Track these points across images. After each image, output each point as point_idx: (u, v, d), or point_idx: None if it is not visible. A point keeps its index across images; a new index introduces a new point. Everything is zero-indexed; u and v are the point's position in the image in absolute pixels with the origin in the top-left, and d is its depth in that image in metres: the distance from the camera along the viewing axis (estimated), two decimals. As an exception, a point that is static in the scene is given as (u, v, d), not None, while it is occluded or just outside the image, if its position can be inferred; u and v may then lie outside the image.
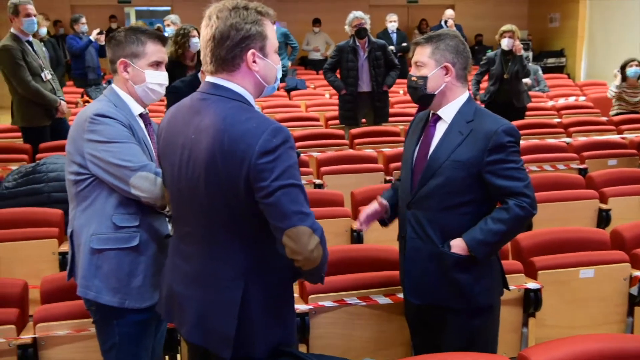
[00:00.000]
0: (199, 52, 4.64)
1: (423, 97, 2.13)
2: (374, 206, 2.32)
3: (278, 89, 8.63)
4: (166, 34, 5.30)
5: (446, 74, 2.11)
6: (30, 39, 4.72)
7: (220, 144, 1.52)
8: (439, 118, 2.16)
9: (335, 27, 10.57)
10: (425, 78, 2.11)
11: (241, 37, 1.58)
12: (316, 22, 10.68)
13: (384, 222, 2.37)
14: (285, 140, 1.53)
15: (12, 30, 4.60)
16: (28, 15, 4.56)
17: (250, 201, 1.54)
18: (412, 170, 2.17)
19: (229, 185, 1.53)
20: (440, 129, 2.14)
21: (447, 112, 2.14)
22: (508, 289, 2.25)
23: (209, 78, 1.65)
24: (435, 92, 2.11)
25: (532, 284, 2.63)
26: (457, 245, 2.06)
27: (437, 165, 2.08)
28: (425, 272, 2.12)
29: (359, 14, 5.64)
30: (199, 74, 3.67)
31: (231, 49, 1.58)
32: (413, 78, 2.15)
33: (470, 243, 2.04)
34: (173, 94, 3.29)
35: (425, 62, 2.12)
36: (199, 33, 4.64)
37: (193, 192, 1.60)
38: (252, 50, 1.60)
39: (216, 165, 1.53)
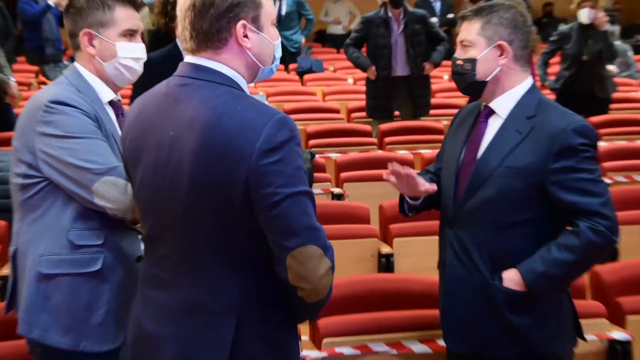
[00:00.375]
0: None
1: (471, 85, 2.15)
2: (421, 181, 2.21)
3: (288, 72, 8.74)
4: None
5: (501, 55, 2.11)
6: None
7: (210, 141, 1.53)
8: (491, 112, 2.17)
9: None
10: (473, 61, 2.12)
11: (228, 5, 1.58)
12: None
13: (408, 209, 2.32)
14: (292, 134, 1.54)
15: None
16: None
17: (246, 213, 1.54)
18: (456, 178, 2.17)
19: (220, 194, 1.53)
20: (494, 126, 2.15)
21: (503, 105, 2.14)
22: (584, 338, 2.22)
23: (189, 58, 1.65)
24: (487, 79, 2.12)
25: (618, 334, 2.60)
26: (511, 279, 2.06)
27: (488, 173, 2.08)
28: (470, 310, 2.12)
29: None
30: (179, 42, 3.68)
31: (216, 20, 1.59)
32: (458, 62, 2.16)
33: (528, 276, 2.03)
34: (145, 71, 3.27)
35: (474, 40, 2.13)
36: None
37: (173, 204, 1.60)
38: (242, 22, 1.60)
39: (205, 168, 1.53)
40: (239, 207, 1.53)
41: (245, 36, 1.61)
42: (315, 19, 9.00)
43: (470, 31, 2.14)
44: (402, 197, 2.33)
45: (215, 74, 1.61)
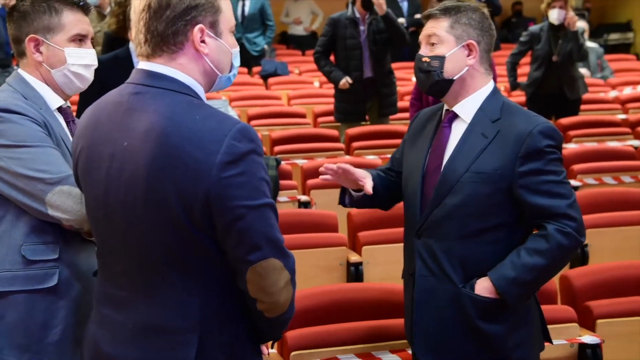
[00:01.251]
0: None
1: (437, 84, 2.15)
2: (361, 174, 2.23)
3: (252, 75, 8.71)
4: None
5: (469, 54, 2.14)
6: None
7: (166, 152, 1.52)
8: (455, 116, 2.18)
9: None
10: (442, 58, 2.13)
11: (185, 7, 1.58)
12: None
13: (349, 201, 2.33)
14: (255, 144, 1.54)
15: None
16: None
17: (207, 227, 1.54)
18: (421, 186, 2.18)
19: (179, 206, 1.52)
20: (458, 131, 2.16)
21: (466, 108, 2.16)
22: (550, 341, 2.26)
23: (143, 64, 1.64)
24: (454, 78, 2.14)
25: (589, 338, 2.64)
26: (483, 286, 2.08)
27: (455, 179, 2.10)
28: (441, 321, 2.14)
29: None
30: (131, 45, 3.66)
31: (172, 22, 1.58)
32: (424, 59, 2.16)
33: (499, 283, 2.05)
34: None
35: (443, 37, 2.14)
36: None
37: (127, 219, 1.59)
38: (199, 26, 1.60)
39: (161, 181, 1.52)
40: (198, 221, 1.53)
41: (203, 41, 1.61)
42: (275, 26, 8.92)
43: (438, 29, 2.15)
44: (343, 188, 2.33)
45: (171, 82, 1.60)
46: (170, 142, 1.52)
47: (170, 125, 1.53)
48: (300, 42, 10.47)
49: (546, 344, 2.25)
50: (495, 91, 2.19)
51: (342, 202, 2.36)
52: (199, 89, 1.64)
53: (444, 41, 2.14)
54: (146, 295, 1.61)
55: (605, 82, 8.06)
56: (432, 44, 2.16)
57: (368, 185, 2.18)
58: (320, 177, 2.29)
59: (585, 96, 6.33)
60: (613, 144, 5.39)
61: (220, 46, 1.64)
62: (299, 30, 10.49)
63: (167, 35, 1.59)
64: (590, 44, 8.16)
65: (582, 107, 6.37)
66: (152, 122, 1.54)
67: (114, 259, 1.66)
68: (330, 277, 3.41)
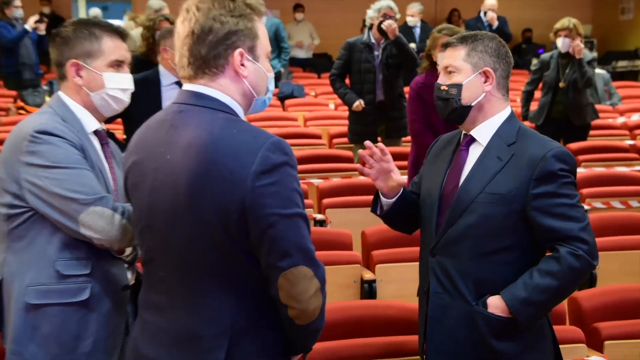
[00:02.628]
0: None
1: (456, 111, 2.18)
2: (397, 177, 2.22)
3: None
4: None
5: (485, 81, 2.17)
6: None
7: (206, 164, 1.57)
8: (472, 140, 2.21)
9: (320, 17, 10.74)
10: (459, 86, 2.17)
11: (226, 32, 1.64)
12: (298, 7, 10.70)
13: (378, 209, 2.30)
14: (288, 157, 1.59)
15: None
16: None
17: (242, 236, 1.58)
18: (438, 206, 2.20)
19: (217, 215, 1.57)
20: (474, 154, 2.19)
21: (483, 133, 2.19)
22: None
23: (187, 86, 1.71)
24: (472, 104, 2.17)
25: (596, 359, 2.64)
26: (495, 305, 2.08)
27: (469, 199, 2.11)
28: (454, 338, 2.14)
29: (392, 3, 5.69)
30: (160, 67, 3.75)
31: (214, 46, 1.64)
32: (443, 87, 2.20)
33: (511, 302, 2.06)
34: None
35: (460, 66, 2.17)
36: (171, 24, 4.81)
37: (169, 227, 1.64)
38: (239, 50, 1.66)
39: (201, 190, 1.57)
40: (234, 229, 1.57)
41: (242, 64, 1.67)
42: (290, 49, 8.97)
43: (455, 57, 2.18)
44: (376, 196, 2.33)
45: (212, 101, 1.66)
46: (209, 155, 1.57)
47: (209, 140, 1.58)
48: (302, 64, 10.66)
49: None
50: (511, 116, 2.21)
51: (374, 209, 2.35)
52: (238, 109, 1.70)
53: (461, 69, 2.17)
54: (182, 301, 1.65)
55: (614, 109, 8.03)
56: (450, 72, 2.19)
57: (402, 179, 2.19)
58: (361, 173, 2.25)
59: (594, 122, 6.30)
60: (621, 169, 5.37)
61: (257, 70, 1.70)
62: (300, 53, 10.61)
63: (209, 59, 1.65)
64: (598, 71, 8.15)
65: (591, 132, 6.36)
66: (193, 137, 1.60)
67: (156, 267, 1.70)
68: (344, 294, 3.42)
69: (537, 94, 6.39)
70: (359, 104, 5.70)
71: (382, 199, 2.29)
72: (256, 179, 1.55)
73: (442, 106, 2.21)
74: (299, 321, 1.64)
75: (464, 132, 2.25)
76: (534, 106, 6.35)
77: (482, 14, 8.12)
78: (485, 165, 2.13)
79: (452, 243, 2.14)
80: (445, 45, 2.24)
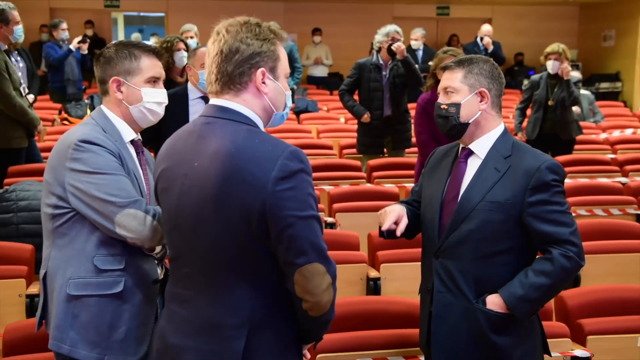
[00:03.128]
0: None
1: (455, 127, 2.19)
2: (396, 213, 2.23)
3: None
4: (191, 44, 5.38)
5: (481, 100, 2.18)
6: (5, 47, 4.85)
7: (230, 170, 1.58)
8: (470, 153, 2.21)
9: (334, 41, 10.81)
10: (457, 105, 2.17)
11: (251, 53, 1.66)
12: (316, 31, 10.83)
13: (385, 233, 2.26)
14: (304, 165, 1.60)
15: None
16: (18, 22, 4.70)
17: (261, 236, 1.59)
18: (439, 213, 2.19)
19: (239, 217, 1.58)
20: (473, 166, 2.19)
21: (481, 146, 2.19)
22: (549, 354, 2.25)
23: (213, 100, 1.72)
24: (470, 121, 2.17)
25: (580, 352, 2.63)
26: (494, 302, 2.08)
27: (470, 207, 2.11)
28: (456, 333, 2.13)
29: (398, 28, 5.72)
30: (189, 84, 3.78)
31: (239, 64, 1.66)
32: (443, 106, 2.21)
33: (509, 300, 2.06)
34: None
35: (457, 87, 2.18)
36: (185, 45, 4.83)
37: (196, 227, 1.64)
38: (262, 69, 1.68)
39: (225, 194, 1.58)
40: (255, 228, 1.58)
41: (264, 82, 1.68)
42: (302, 68, 9.05)
43: (453, 79, 2.19)
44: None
45: (235, 114, 1.67)
46: (233, 162, 1.58)
47: (233, 148, 1.60)
48: (318, 82, 10.70)
49: (545, 356, 2.24)
50: (505, 132, 2.21)
51: (381, 235, 2.31)
52: (259, 121, 1.71)
53: (459, 90, 2.18)
54: (206, 294, 1.66)
55: (597, 126, 8.02)
56: (449, 93, 2.20)
57: (402, 226, 2.21)
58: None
59: (579, 137, 6.32)
60: (603, 180, 5.35)
61: (277, 88, 1.72)
62: (318, 71, 10.61)
63: (235, 76, 1.67)
64: (583, 92, 8.15)
65: (576, 147, 6.35)
66: (218, 146, 1.62)
67: (182, 263, 1.71)
68: (351, 290, 3.41)
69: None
70: (367, 116, 5.70)
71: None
72: (276, 184, 1.56)
73: (443, 123, 2.22)
74: (313, 313, 1.64)
75: (462, 145, 2.24)
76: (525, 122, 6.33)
77: (478, 39, 8.11)
78: (484, 176, 2.13)
79: (454, 246, 2.13)
80: (444, 68, 2.24)
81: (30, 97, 6.04)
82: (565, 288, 3.28)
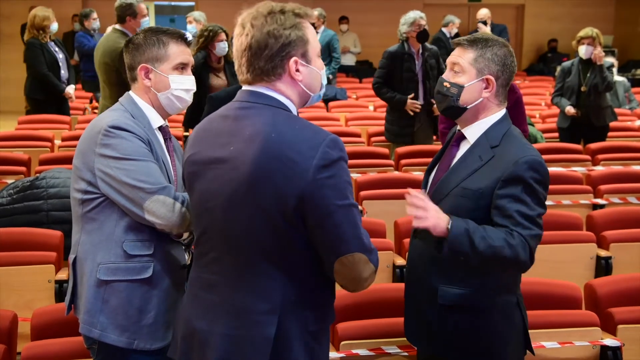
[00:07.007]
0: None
1: (451, 109, 2.11)
2: None
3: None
4: (188, 33, 5.48)
5: (486, 87, 2.08)
6: None
7: (269, 153, 1.57)
8: (463, 137, 2.14)
9: (362, 28, 10.69)
10: (460, 87, 2.08)
11: (281, 45, 1.64)
12: (342, 19, 10.72)
13: None
14: (343, 153, 1.60)
15: (120, 28, 4.75)
16: (144, 16, 4.81)
17: (297, 222, 1.58)
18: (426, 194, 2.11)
19: (275, 202, 1.57)
20: (462, 150, 2.13)
21: (473, 132, 2.11)
22: (532, 352, 2.17)
23: (247, 87, 1.71)
24: (468, 107, 2.09)
25: (610, 341, 2.59)
26: (441, 228, 1.92)
27: (445, 192, 2.06)
28: (423, 312, 2.12)
29: (422, 14, 5.63)
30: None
31: (271, 59, 1.64)
32: (446, 84, 2.11)
33: (456, 222, 1.91)
34: (210, 105, 3.35)
35: (465, 68, 2.08)
36: (227, 35, 4.87)
37: (228, 211, 1.63)
38: (294, 58, 1.66)
39: (261, 178, 1.57)
40: (290, 217, 1.57)
41: (297, 70, 1.66)
42: (340, 59, 8.84)
43: (463, 58, 2.08)
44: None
45: (271, 99, 1.66)
46: (272, 146, 1.57)
47: (273, 132, 1.59)
48: (347, 70, 10.64)
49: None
50: (502, 119, 2.10)
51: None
52: (293, 108, 1.70)
53: (466, 71, 2.08)
54: (235, 279, 1.65)
55: (632, 112, 7.87)
56: (455, 72, 2.11)
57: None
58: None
59: (613, 124, 6.22)
60: (638, 168, 5.26)
61: (311, 71, 1.70)
62: (346, 60, 10.54)
63: (267, 70, 1.66)
64: (618, 78, 7.98)
65: (611, 134, 6.24)
66: (257, 129, 1.61)
67: (210, 247, 1.70)
68: (378, 277, 3.33)
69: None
70: (413, 102, 5.54)
71: None
72: (317, 171, 1.55)
73: (440, 100, 2.13)
74: (353, 291, 1.69)
75: (458, 127, 2.18)
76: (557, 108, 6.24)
77: (480, 24, 7.89)
78: (467, 162, 2.07)
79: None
80: (457, 44, 2.13)
81: (72, 87, 6.19)
82: (596, 276, 3.24)
